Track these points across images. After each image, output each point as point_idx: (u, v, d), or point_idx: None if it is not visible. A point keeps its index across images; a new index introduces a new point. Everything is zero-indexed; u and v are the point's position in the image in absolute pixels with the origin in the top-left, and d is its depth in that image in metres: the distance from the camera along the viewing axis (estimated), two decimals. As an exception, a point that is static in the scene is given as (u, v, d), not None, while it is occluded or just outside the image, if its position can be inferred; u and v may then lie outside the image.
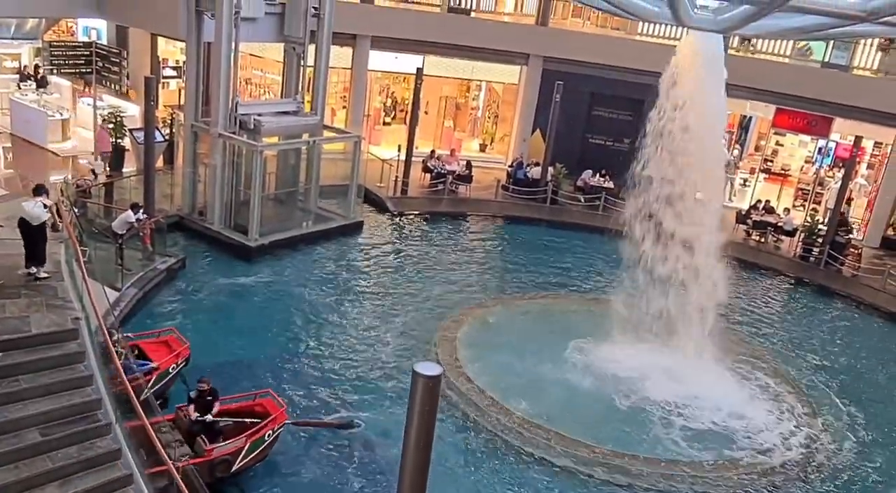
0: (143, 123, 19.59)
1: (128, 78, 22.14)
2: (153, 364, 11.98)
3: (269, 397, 11.79)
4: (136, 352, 12.07)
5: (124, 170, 21.47)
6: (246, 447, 10.86)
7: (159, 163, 20.75)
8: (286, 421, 11.62)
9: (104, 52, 20.43)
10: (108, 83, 20.56)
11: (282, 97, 20.90)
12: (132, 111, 23.35)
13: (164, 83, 25.37)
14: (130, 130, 21.47)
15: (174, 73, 26.13)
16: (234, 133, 18.50)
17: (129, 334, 12.51)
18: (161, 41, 25.03)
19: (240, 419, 11.25)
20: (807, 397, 15.34)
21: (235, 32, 17.95)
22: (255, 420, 11.26)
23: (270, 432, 11.15)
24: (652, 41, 26.72)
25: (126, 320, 14.33)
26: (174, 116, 23.53)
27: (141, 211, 16.31)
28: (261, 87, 26.56)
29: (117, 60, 20.10)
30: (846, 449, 13.82)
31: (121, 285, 15.20)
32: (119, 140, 21.54)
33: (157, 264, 16.53)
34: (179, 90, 25.26)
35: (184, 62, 22.38)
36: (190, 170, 19.50)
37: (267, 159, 19.12)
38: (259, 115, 18.80)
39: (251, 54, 24.37)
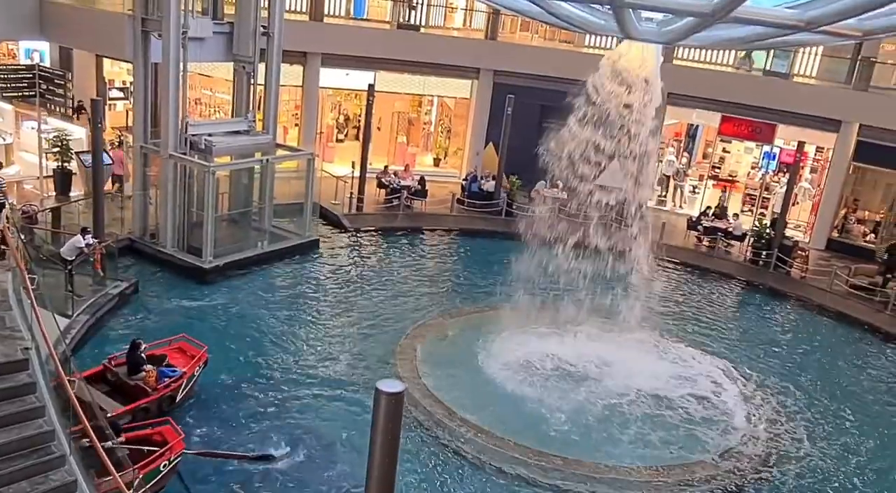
0: (90, 146, 19.23)
1: (82, 107, 21.69)
2: (182, 370, 12.91)
3: (169, 426, 11.32)
4: (166, 361, 13.09)
5: (72, 194, 21.01)
6: (137, 480, 10.09)
7: (108, 186, 20.38)
8: (183, 451, 11.03)
9: (48, 75, 20.01)
10: (52, 106, 20.15)
11: (232, 116, 20.71)
12: (78, 134, 22.87)
13: (110, 105, 24.94)
14: (77, 154, 21.04)
15: (121, 94, 25.72)
16: (184, 154, 18.26)
17: (145, 344, 13.09)
18: (106, 62, 24.63)
19: (136, 447, 10.61)
20: (756, 387, 16.00)
21: (183, 53, 17.75)
22: (153, 449, 10.72)
23: (166, 462, 10.56)
24: (599, 53, 27.14)
25: (78, 347, 14.00)
26: (122, 137, 23.12)
27: (90, 235, 16.00)
28: (211, 106, 26.31)
29: (62, 82, 19.70)
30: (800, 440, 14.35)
31: (71, 311, 14.85)
32: (65, 164, 21.09)
33: (109, 289, 16.20)
34: (127, 111, 24.87)
35: (131, 83, 22.06)
36: (140, 192, 19.18)
37: (219, 179, 18.92)
38: (210, 135, 18.59)
39: (200, 74, 24.12)
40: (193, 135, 18.36)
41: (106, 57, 23.95)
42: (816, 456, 13.96)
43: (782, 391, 16.15)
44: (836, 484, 13.26)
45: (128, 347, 12.89)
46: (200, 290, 17.57)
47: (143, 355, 12.80)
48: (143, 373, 12.59)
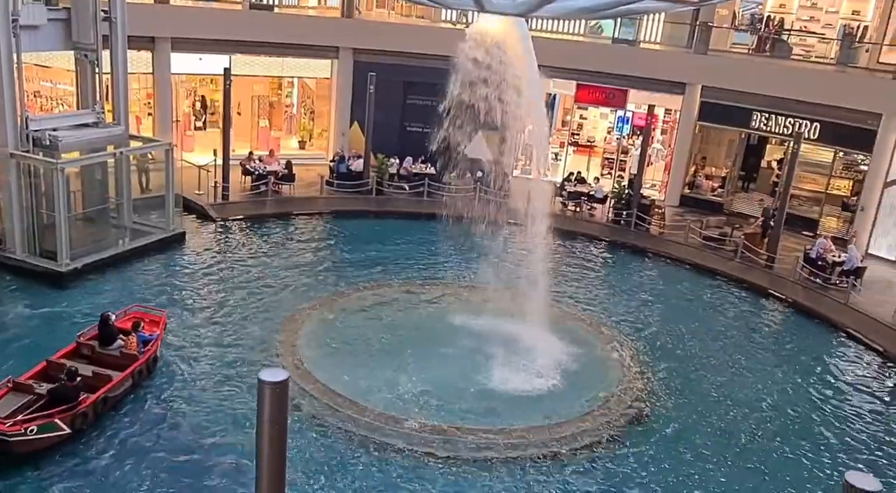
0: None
1: None
2: (155, 334, 14.03)
3: None
4: (141, 327, 14.00)
5: None
6: None
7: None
8: None
9: None
10: None
11: (78, 109, 19.49)
12: None
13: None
14: None
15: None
16: (27, 152, 17.06)
17: (112, 315, 13.97)
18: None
19: None
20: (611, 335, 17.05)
21: (16, 42, 16.50)
22: None
23: None
24: (455, 28, 27.41)
25: (-76, 369, 12.92)
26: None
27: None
28: (52, 99, 24.62)
29: None
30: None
31: (-88, 331, 13.69)
32: None
33: (-45, 303, 15.03)
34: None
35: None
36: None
37: (69, 177, 17.78)
38: (55, 129, 17.45)
39: (37, 64, 22.51)
40: (36, 130, 17.20)
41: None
42: (687, 391, 15.10)
43: (649, 337, 17.22)
44: (713, 418, 14.30)
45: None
46: (59, 295, 16.57)
47: (114, 326, 13.77)
48: (122, 342, 13.53)
